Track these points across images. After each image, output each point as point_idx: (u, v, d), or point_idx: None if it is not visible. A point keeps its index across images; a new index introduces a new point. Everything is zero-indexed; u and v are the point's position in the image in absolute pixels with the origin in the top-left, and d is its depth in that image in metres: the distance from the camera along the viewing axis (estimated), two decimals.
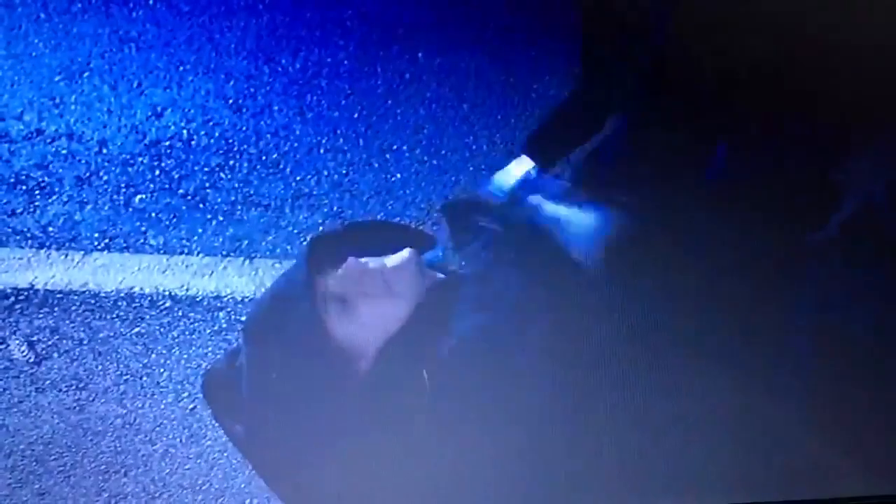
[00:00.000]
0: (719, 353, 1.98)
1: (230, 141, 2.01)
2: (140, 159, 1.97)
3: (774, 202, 2.02)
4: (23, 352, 1.89)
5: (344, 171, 2.03)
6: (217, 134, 2.01)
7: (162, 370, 1.93)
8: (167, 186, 1.98)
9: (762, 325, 1.99)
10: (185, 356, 1.94)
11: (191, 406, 1.92)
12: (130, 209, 1.96)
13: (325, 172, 2.03)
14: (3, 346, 1.89)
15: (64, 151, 1.95)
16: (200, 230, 1.98)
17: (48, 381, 1.90)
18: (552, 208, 1.98)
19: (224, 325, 1.95)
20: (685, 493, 1.98)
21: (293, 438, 1.86)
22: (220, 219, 1.98)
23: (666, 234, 2.02)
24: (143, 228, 1.96)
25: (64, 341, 1.91)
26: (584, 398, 1.93)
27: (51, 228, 1.93)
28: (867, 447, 2.00)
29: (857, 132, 2.06)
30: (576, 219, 1.97)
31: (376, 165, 2.04)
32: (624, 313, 1.97)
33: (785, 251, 2.03)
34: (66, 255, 1.94)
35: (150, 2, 2.01)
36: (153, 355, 1.93)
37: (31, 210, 1.93)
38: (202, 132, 2.00)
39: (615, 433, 1.94)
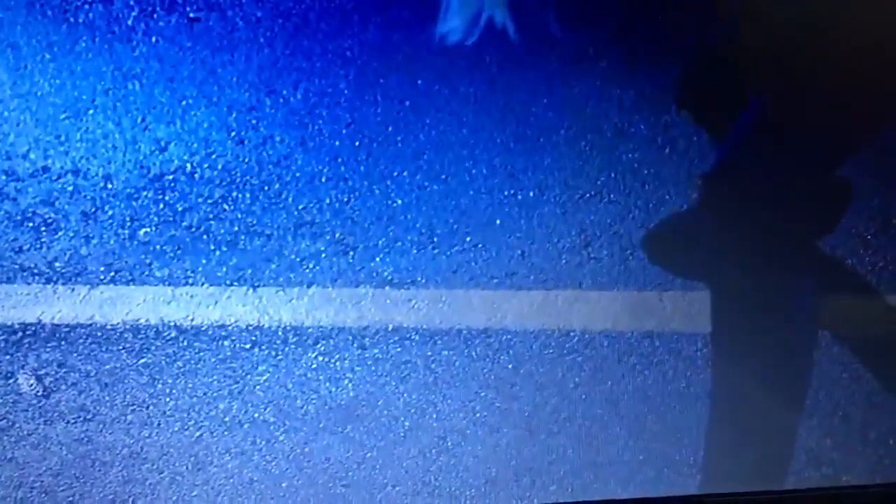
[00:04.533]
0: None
1: (233, 172, 2.03)
2: (144, 193, 2.00)
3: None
4: (31, 385, 1.92)
5: (345, 199, 2.05)
6: (220, 166, 2.03)
7: (168, 399, 1.95)
8: (171, 219, 2.00)
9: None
10: (191, 385, 1.96)
11: (196, 434, 1.94)
12: (135, 242, 1.99)
13: (327, 200, 2.05)
14: (11, 381, 1.92)
15: (70, 188, 1.98)
16: (204, 261, 2.00)
17: (56, 414, 1.93)
18: None
19: (229, 354, 1.97)
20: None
21: None
22: (224, 249, 2.01)
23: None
24: (148, 261, 1.99)
25: (71, 374, 1.94)
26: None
27: (57, 264, 1.96)
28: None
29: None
30: None
31: (377, 192, 2.06)
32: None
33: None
34: (73, 290, 1.96)
35: (153, 39, 2.04)
36: (159, 385, 1.95)
37: (38, 246, 1.96)
38: (205, 165, 2.03)
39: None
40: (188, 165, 2.02)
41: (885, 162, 2.12)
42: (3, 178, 1.96)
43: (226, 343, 1.98)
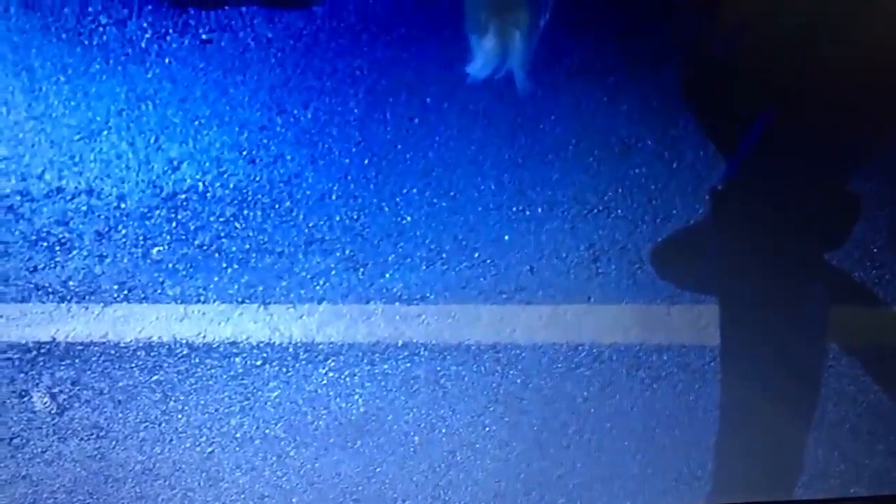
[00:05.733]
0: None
1: (244, 191, 2.05)
2: (157, 212, 2.02)
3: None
4: (45, 403, 1.94)
5: (355, 216, 2.07)
6: (232, 185, 2.05)
7: (180, 416, 1.97)
8: (183, 237, 2.02)
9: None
10: (202, 402, 1.98)
11: (209, 450, 1.96)
12: (148, 261, 2.01)
13: (337, 218, 2.06)
14: (25, 398, 1.95)
15: (84, 208, 2.00)
16: (216, 278, 2.02)
17: (69, 431, 1.95)
18: None
19: (240, 371, 1.99)
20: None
21: None
22: (236, 267, 2.03)
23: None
24: (161, 279, 2.01)
25: (85, 391, 1.96)
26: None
27: (71, 283, 1.99)
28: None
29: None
30: None
31: (387, 209, 2.08)
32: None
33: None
34: (87, 308, 1.99)
35: (166, 60, 2.06)
36: (171, 402, 1.97)
37: (52, 266, 1.98)
38: (217, 184, 2.05)
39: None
40: (200, 184, 2.04)
41: (894, 173, 2.13)
42: (19, 198, 1.98)
43: (237, 360, 2.00)
